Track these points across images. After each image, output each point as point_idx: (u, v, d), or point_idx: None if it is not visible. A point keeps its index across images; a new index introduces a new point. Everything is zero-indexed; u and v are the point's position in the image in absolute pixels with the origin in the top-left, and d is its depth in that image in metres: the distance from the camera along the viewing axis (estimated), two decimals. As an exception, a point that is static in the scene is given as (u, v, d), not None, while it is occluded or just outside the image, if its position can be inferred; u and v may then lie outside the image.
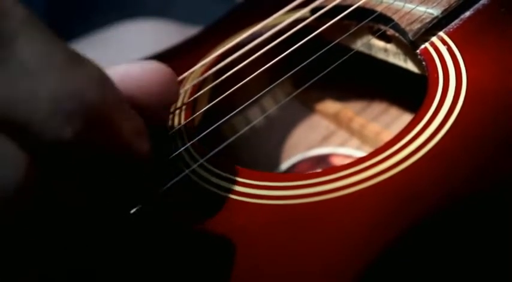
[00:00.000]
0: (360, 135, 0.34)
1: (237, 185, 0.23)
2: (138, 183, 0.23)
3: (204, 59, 0.31)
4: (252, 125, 0.36)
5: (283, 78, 0.29)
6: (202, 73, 0.30)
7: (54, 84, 0.16)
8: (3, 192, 0.15)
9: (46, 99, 0.16)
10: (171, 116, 0.28)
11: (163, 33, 0.50)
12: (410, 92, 0.29)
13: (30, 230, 0.18)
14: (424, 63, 0.26)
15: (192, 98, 0.29)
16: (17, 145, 0.16)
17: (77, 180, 0.20)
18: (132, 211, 0.23)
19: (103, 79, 0.18)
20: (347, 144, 0.35)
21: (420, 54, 0.27)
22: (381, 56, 0.31)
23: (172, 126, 0.27)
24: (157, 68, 0.22)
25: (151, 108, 0.22)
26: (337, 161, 0.34)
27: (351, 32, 0.30)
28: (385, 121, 0.35)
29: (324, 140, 0.36)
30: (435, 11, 0.27)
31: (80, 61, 0.17)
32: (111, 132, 0.18)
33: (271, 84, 0.29)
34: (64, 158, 0.17)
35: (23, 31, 0.15)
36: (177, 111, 0.28)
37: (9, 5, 0.15)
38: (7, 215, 0.16)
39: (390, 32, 0.29)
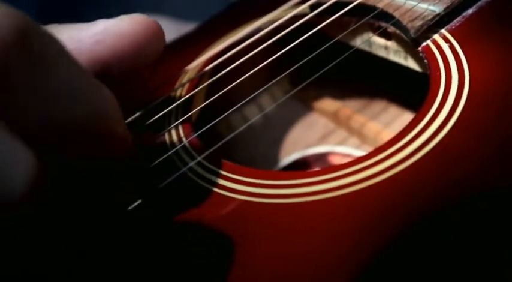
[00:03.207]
0: (359, 134, 0.34)
1: (232, 182, 0.23)
2: (132, 178, 0.23)
3: (201, 56, 0.30)
4: (249, 123, 0.36)
5: (281, 76, 0.28)
6: (200, 70, 0.30)
7: None
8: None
9: None
10: (168, 113, 0.27)
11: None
12: (411, 90, 0.29)
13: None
14: (425, 60, 0.26)
15: (189, 95, 0.28)
16: None
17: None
18: (130, 207, 0.22)
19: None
20: (346, 142, 0.34)
21: (422, 52, 0.26)
22: (382, 53, 0.31)
23: (170, 123, 0.27)
24: (137, 18, 0.22)
25: (134, 59, 0.22)
26: (336, 160, 0.33)
27: (351, 29, 0.30)
28: (385, 120, 0.34)
29: (323, 139, 0.35)
30: (437, 8, 0.27)
31: None
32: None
33: (269, 82, 0.29)
34: None
35: None
36: (175, 108, 0.28)
37: None
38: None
39: (391, 29, 0.28)
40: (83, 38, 0.21)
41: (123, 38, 0.22)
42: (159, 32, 0.23)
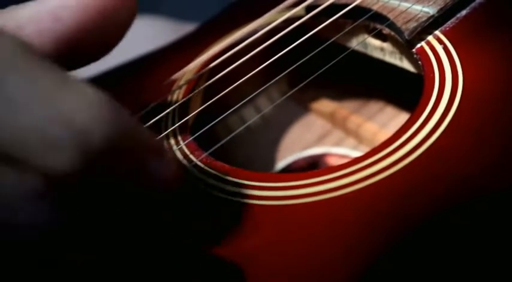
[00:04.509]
0: (355, 134, 0.34)
1: (230, 185, 0.23)
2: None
3: (198, 58, 0.31)
4: (247, 124, 0.36)
5: (278, 77, 0.29)
6: (197, 72, 0.30)
7: (37, 111, 0.14)
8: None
9: (30, 128, 0.14)
10: (166, 115, 0.27)
11: (156, 31, 0.50)
12: (407, 91, 0.29)
13: None
14: (420, 62, 0.26)
15: (186, 98, 0.28)
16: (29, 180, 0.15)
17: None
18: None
19: (99, 100, 0.15)
20: (343, 143, 0.35)
21: (416, 53, 0.26)
22: (377, 55, 0.31)
23: (167, 125, 0.27)
24: None
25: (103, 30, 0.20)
26: (333, 161, 0.34)
27: (346, 30, 0.30)
28: (381, 120, 0.35)
29: (320, 140, 0.35)
30: (431, 10, 0.27)
31: (69, 84, 0.15)
32: (124, 157, 0.16)
33: (266, 84, 0.29)
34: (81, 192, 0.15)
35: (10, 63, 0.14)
36: (172, 111, 0.28)
37: None
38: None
39: (386, 30, 0.29)
40: (43, 17, 0.19)
41: (84, 11, 0.20)
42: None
